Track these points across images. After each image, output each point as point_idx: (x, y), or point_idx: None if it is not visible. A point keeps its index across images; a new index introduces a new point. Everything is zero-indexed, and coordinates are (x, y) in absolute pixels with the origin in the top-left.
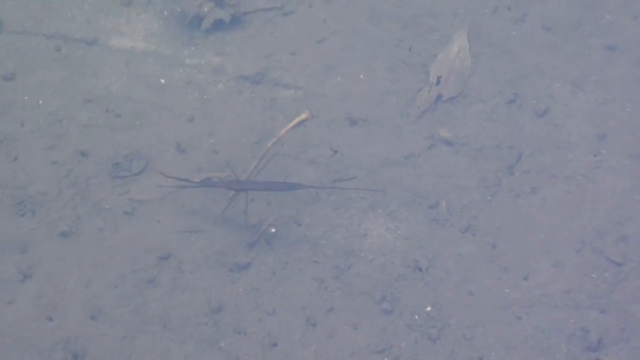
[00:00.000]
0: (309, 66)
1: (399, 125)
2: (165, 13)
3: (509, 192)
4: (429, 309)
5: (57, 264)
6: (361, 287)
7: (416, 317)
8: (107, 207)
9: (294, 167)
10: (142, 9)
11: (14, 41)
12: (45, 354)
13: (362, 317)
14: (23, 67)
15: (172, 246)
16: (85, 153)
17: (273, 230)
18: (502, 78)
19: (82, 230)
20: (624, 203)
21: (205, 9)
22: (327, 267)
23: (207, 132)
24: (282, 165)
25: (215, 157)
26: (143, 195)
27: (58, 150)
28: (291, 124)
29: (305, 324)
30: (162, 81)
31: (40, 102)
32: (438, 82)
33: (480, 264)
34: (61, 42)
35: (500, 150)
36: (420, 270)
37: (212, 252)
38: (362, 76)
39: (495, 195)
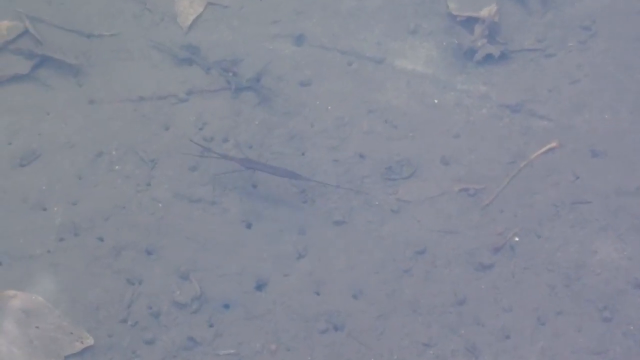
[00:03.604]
0: (562, 102)
1: (634, 161)
2: (444, 44)
3: None
4: None
5: (329, 247)
6: (587, 296)
7: (631, 327)
8: (377, 203)
9: (539, 187)
10: (425, 38)
11: (313, 53)
12: (311, 322)
13: (585, 322)
14: (318, 76)
15: (428, 243)
16: (363, 155)
17: (517, 239)
18: None
19: (353, 220)
20: None
21: (479, 44)
22: (559, 276)
23: (469, 148)
24: (528, 185)
25: (473, 169)
26: (408, 197)
27: (340, 151)
28: (541, 150)
29: (536, 322)
30: (435, 101)
31: (329, 107)
32: None
33: None
34: (353, 58)
35: None
36: None
37: (462, 251)
38: (606, 116)
39: None
